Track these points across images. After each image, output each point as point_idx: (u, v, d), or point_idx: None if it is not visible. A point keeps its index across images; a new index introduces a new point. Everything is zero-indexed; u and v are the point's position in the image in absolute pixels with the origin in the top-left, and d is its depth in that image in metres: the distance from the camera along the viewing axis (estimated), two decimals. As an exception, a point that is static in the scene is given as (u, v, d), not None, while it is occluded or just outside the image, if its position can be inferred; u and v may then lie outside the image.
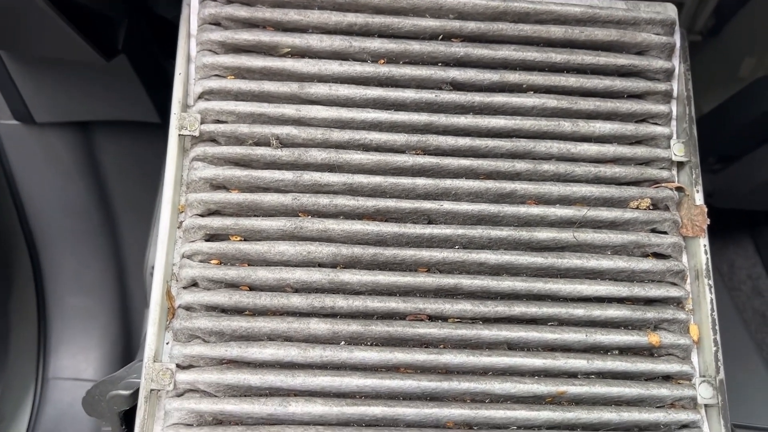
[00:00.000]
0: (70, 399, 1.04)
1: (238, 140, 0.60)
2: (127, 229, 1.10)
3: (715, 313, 0.59)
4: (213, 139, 0.60)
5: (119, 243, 1.11)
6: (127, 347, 1.10)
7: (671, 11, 0.65)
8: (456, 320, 0.57)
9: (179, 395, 0.54)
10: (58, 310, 1.06)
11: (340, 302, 0.56)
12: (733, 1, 1.04)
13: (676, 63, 0.65)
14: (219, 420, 0.53)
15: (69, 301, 1.07)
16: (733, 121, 0.99)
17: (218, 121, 0.60)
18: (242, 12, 0.60)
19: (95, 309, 1.07)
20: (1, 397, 0.98)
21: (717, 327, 0.59)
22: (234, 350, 0.54)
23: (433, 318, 0.57)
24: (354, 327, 0.55)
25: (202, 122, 0.60)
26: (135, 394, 0.54)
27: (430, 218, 0.59)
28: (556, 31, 0.62)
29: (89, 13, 0.75)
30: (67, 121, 0.99)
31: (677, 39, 0.65)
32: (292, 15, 0.61)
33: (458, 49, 0.61)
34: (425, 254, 0.58)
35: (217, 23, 0.61)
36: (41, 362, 1.05)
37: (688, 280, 0.61)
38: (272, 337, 0.55)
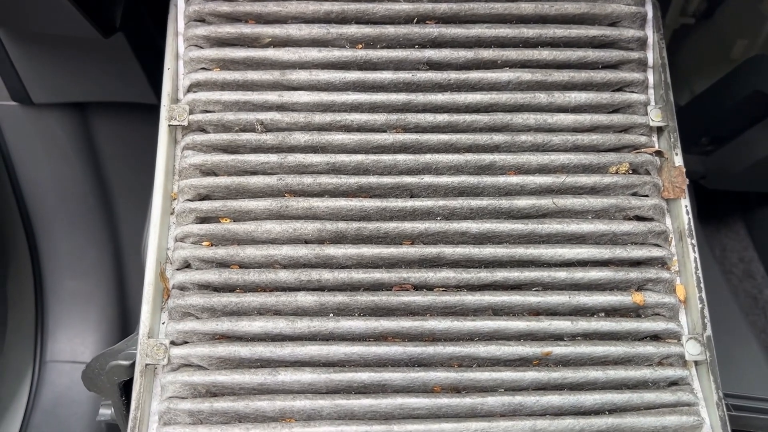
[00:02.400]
0: (67, 381, 1.05)
1: (225, 128, 0.62)
2: (124, 211, 1.11)
3: (700, 272, 0.59)
4: (201, 128, 0.63)
5: (116, 225, 1.12)
6: (124, 330, 1.11)
7: (641, -17, 0.67)
8: (440, 288, 0.58)
9: (174, 369, 0.56)
10: (56, 293, 1.07)
11: (327, 275, 0.58)
12: None
13: (649, 32, 0.66)
14: (212, 392, 0.55)
15: (66, 284, 1.08)
16: (725, 101, 0.99)
17: (206, 111, 0.63)
18: (224, 7, 0.64)
19: (92, 292, 1.09)
20: None
21: (702, 285, 0.59)
22: (225, 325, 0.56)
23: (417, 287, 0.58)
24: (340, 298, 0.57)
25: (191, 113, 0.63)
26: (134, 365, 0.57)
27: (411, 192, 0.61)
28: (527, 7, 0.64)
29: None
30: (64, 102, 1.00)
31: (649, 9, 0.67)
32: (272, 7, 0.64)
33: (432, 30, 0.64)
34: (408, 226, 0.59)
35: (201, 19, 0.65)
36: (39, 345, 1.07)
37: (673, 242, 0.62)
38: (261, 312, 0.57)
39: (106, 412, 0.63)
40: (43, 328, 1.07)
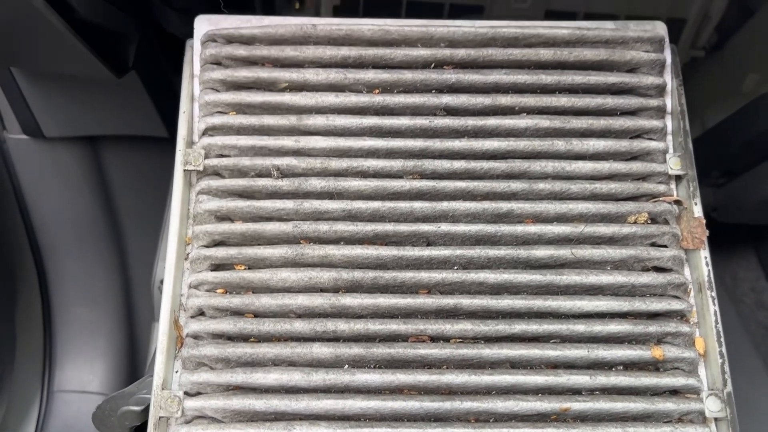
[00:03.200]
0: (75, 412, 1.05)
1: (241, 173, 0.62)
2: (134, 242, 1.12)
3: (720, 325, 0.59)
4: (217, 173, 0.62)
5: (125, 255, 1.13)
6: (132, 359, 1.11)
7: (660, 29, 0.67)
8: (457, 340, 0.58)
9: (187, 422, 0.55)
10: (64, 321, 1.08)
11: (342, 326, 0.57)
12: (734, 17, 1.05)
13: (668, 79, 0.66)
14: (226, 446, 0.54)
15: (75, 313, 1.09)
16: (736, 137, 0.99)
17: (221, 156, 0.63)
18: (241, 50, 0.63)
19: (101, 320, 1.09)
20: (6, 410, 1.00)
21: (722, 339, 0.58)
22: (239, 376, 0.55)
23: (434, 339, 0.58)
24: (356, 350, 0.56)
25: (206, 157, 0.62)
26: (146, 411, 0.56)
27: (428, 240, 0.61)
28: (546, 54, 0.64)
29: (101, 31, 0.78)
30: (75, 136, 1.01)
31: (667, 55, 0.66)
32: (289, 51, 0.63)
33: (450, 76, 0.63)
34: (424, 276, 0.59)
35: (218, 62, 0.64)
36: (46, 374, 1.07)
37: (692, 293, 0.61)
38: (276, 363, 0.56)
39: None
40: (51, 356, 1.07)
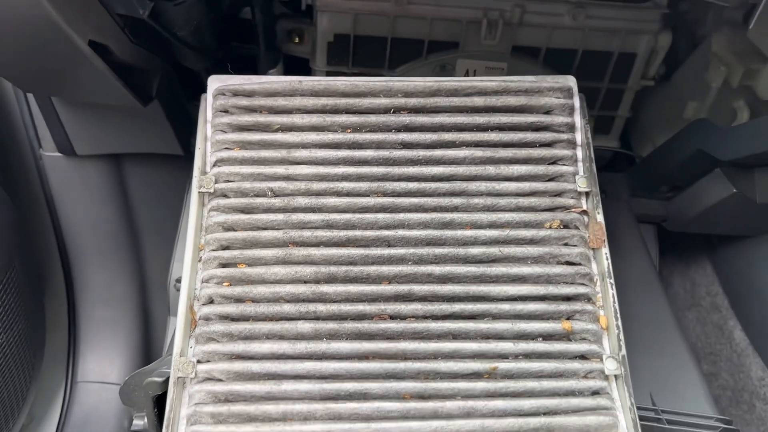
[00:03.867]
0: (96, 400, 1.16)
1: (243, 194, 0.79)
2: (151, 249, 1.25)
3: (617, 305, 0.74)
4: (224, 194, 0.80)
5: (143, 261, 1.25)
6: (147, 354, 1.23)
7: (570, 81, 0.85)
8: (411, 318, 0.74)
9: (199, 382, 0.70)
10: (87, 320, 1.19)
11: (321, 308, 0.73)
12: (681, 52, 1.22)
13: (577, 119, 0.84)
14: (229, 399, 0.69)
15: (97, 313, 1.21)
16: (675, 156, 1.14)
17: (228, 181, 0.80)
18: (243, 101, 0.82)
19: (120, 320, 1.20)
20: (35, 397, 1.10)
21: (618, 315, 0.74)
22: (240, 346, 0.71)
23: (393, 317, 0.73)
24: (331, 326, 0.72)
25: (216, 182, 0.80)
26: (166, 382, 0.71)
27: (389, 243, 0.77)
28: (479, 101, 0.83)
29: (131, 68, 0.92)
30: (103, 154, 1.14)
31: (575, 101, 0.85)
32: (281, 101, 0.82)
33: (405, 118, 0.82)
34: (385, 269, 0.75)
35: (225, 110, 0.83)
36: (71, 367, 1.18)
37: (598, 282, 0.77)
38: (269, 336, 0.72)
39: (139, 422, 0.76)
40: (74, 351, 1.19)
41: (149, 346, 1.28)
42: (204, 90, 0.83)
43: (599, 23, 1.13)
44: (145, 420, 0.75)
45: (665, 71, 1.26)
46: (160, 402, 0.75)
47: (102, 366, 1.20)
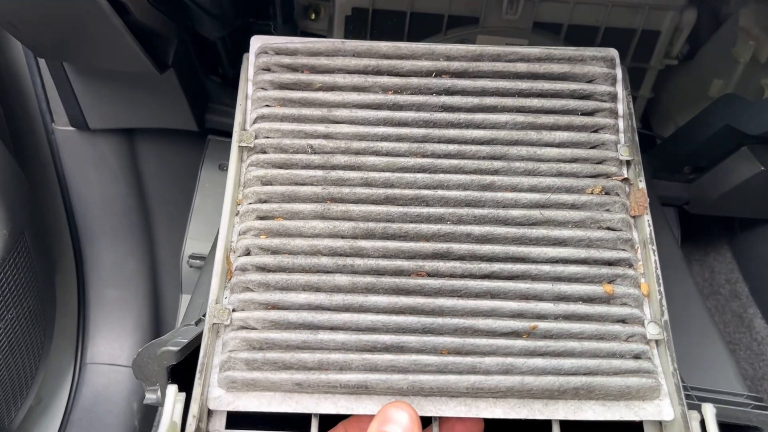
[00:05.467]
0: (105, 382, 1.15)
1: (282, 150, 0.79)
2: (162, 227, 1.23)
3: (659, 270, 0.73)
4: (263, 150, 0.80)
5: (154, 240, 1.23)
6: (157, 335, 1.20)
7: (612, 53, 0.85)
8: (449, 276, 0.73)
9: (234, 330, 0.70)
10: (97, 301, 1.18)
11: (359, 262, 0.72)
12: (704, 30, 1.21)
13: (619, 89, 0.84)
14: (263, 347, 0.69)
15: (107, 293, 1.20)
16: (701, 134, 1.12)
17: (267, 137, 0.80)
18: (286, 59, 0.82)
19: (130, 300, 1.19)
20: (44, 378, 1.09)
21: (661, 281, 0.73)
22: (277, 296, 0.70)
23: (430, 274, 0.73)
24: (369, 279, 0.71)
25: (256, 138, 0.80)
26: (182, 351, 0.70)
27: (427, 203, 0.77)
28: (522, 67, 0.82)
29: (149, 31, 0.90)
30: (116, 128, 1.13)
31: (618, 72, 0.84)
32: (323, 60, 0.82)
33: (446, 81, 0.81)
34: (424, 227, 0.74)
35: (267, 69, 0.83)
36: (80, 348, 1.17)
37: (639, 249, 0.76)
38: (306, 288, 0.71)
39: (152, 396, 0.73)
40: (84, 332, 1.19)
41: (159, 328, 1.27)
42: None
43: None
44: (158, 394, 0.73)
45: (689, 50, 1.24)
46: (175, 375, 0.72)
47: (112, 348, 1.20)
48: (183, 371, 0.72)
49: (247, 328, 0.70)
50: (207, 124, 1.23)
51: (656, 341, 0.71)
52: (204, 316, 0.72)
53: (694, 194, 1.22)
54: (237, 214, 0.77)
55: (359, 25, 1.13)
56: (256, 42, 0.85)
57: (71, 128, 1.14)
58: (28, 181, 1.10)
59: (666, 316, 0.71)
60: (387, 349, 0.68)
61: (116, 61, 0.96)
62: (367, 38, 1.14)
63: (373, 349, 0.68)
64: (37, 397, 1.14)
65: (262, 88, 0.82)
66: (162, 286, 1.28)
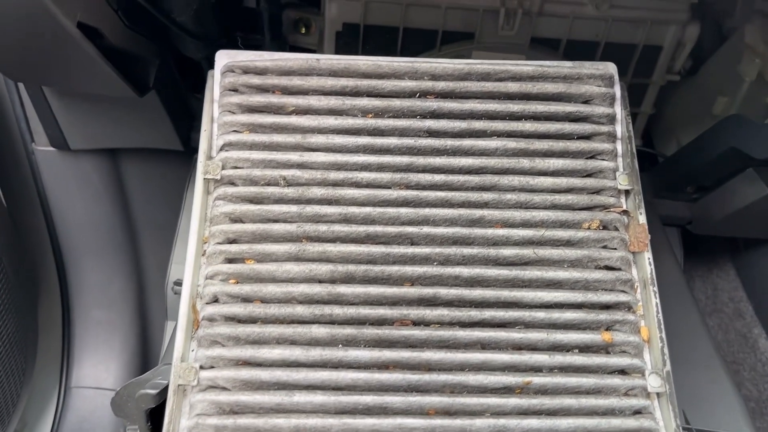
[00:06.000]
0: (91, 407, 1.10)
1: (252, 182, 0.72)
2: (148, 247, 1.19)
3: (660, 315, 0.68)
4: (232, 182, 0.73)
5: (140, 260, 1.19)
6: (144, 357, 1.17)
7: (611, 68, 0.78)
8: (436, 324, 0.67)
9: (202, 390, 0.64)
10: (82, 322, 1.14)
11: (337, 311, 0.66)
12: (708, 45, 1.16)
13: (618, 109, 0.77)
14: (235, 411, 0.63)
15: (92, 314, 1.15)
16: (705, 154, 1.08)
17: (236, 167, 0.73)
18: (255, 80, 0.75)
19: (116, 322, 1.15)
20: (27, 403, 1.05)
21: (662, 326, 0.68)
22: (248, 351, 0.64)
23: (416, 323, 0.67)
24: (349, 331, 0.65)
25: (223, 168, 0.72)
26: (161, 393, 0.64)
27: (412, 241, 0.71)
28: (513, 86, 0.76)
29: (127, 55, 0.86)
30: (98, 148, 1.09)
31: (617, 90, 0.78)
32: (296, 81, 0.75)
33: (432, 104, 0.75)
34: (408, 269, 0.68)
35: (235, 89, 0.75)
36: (65, 371, 1.12)
37: (638, 289, 0.71)
38: (280, 341, 0.65)
39: (135, 428, 0.70)
40: (69, 355, 1.14)
41: (146, 350, 1.23)
42: (205, 81, 0.76)
43: (624, 13, 1.07)
44: None
45: (692, 65, 1.21)
46: (155, 414, 0.68)
47: (97, 371, 1.15)
48: (164, 410, 0.66)
49: (216, 388, 0.64)
50: (193, 143, 1.18)
51: (658, 394, 0.66)
52: None
53: (697, 214, 1.18)
54: (203, 254, 0.71)
55: (351, 41, 1.07)
56: (222, 58, 0.77)
57: (51, 148, 1.10)
58: (8, 203, 1.05)
59: (668, 366, 0.66)
60: (369, 410, 0.63)
61: (94, 86, 0.91)
62: (359, 54, 1.08)
63: (353, 411, 0.63)
64: (21, 422, 1.09)
65: (230, 111, 0.75)
66: (149, 307, 1.24)
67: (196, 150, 1.20)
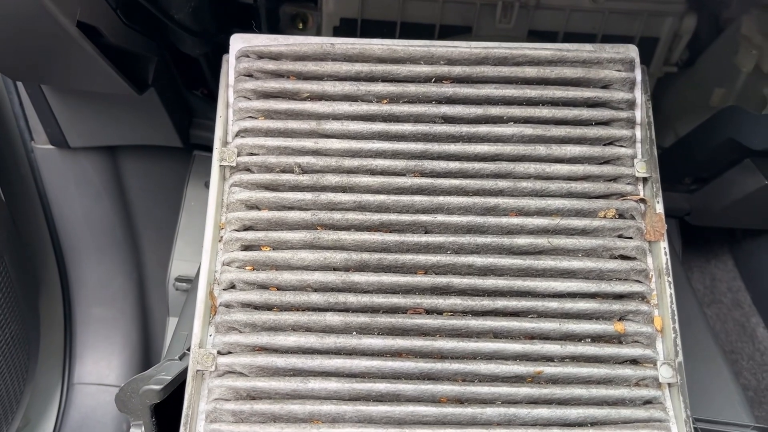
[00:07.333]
0: (93, 403, 1.13)
1: (268, 169, 0.72)
2: (149, 245, 1.20)
3: (675, 305, 0.68)
4: (247, 169, 0.73)
5: (141, 257, 1.20)
6: (146, 354, 1.19)
7: (632, 51, 0.77)
8: (449, 313, 0.68)
9: (220, 375, 0.66)
10: (84, 319, 1.15)
11: (351, 299, 0.67)
12: (705, 36, 1.14)
13: (638, 94, 0.76)
14: (252, 396, 0.65)
15: (93, 312, 1.17)
16: (703, 146, 1.07)
17: (251, 154, 0.73)
18: (270, 65, 0.74)
19: (118, 319, 1.17)
20: (30, 400, 1.08)
21: (676, 317, 0.68)
22: (264, 338, 0.66)
23: (429, 311, 0.68)
24: (363, 319, 0.66)
25: (239, 155, 0.73)
26: (165, 389, 0.66)
27: (426, 229, 0.71)
28: (531, 71, 0.74)
29: (125, 53, 0.86)
30: (97, 146, 1.10)
31: (637, 74, 0.76)
32: (311, 66, 0.74)
33: (448, 89, 0.74)
34: (422, 258, 0.69)
35: (250, 75, 0.75)
36: (67, 368, 1.15)
37: (653, 279, 0.71)
38: (295, 328, 0.67)
39: (137, 431, 0.71)
40: (71, 352, 1.16)
41: (148, 346, 1.25)
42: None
43: (620, 5, 1.04)
44: (143, 430, 0.69)
45: (688, 57, 1.18)
46: (159, 409, 0.69)
47: (99, 367, 1.16)
48: (168, 405, 0.68)
49: (233, 373, 0.66)
50: (192, 140, 1.19)
51: (669, 384, 0.67)
52: (188, 350, 0.68)
53: (695, 205, 1.17)
54: (220, 240, 0.72)
55: (348, 36, 1.06)
56: (237, 43, 0.76)
57: (51, 147, 1.11)
58: (7, 201, 1.06)
59: (680, 357, 0.67)
60: (382, 398, 0.64)
61: (93, 84, 0.91)
62: None
63: (367, 398, 0.64)
64: (24, 419, 1.12)
65: (245, 98, 0.75)
66: (150, 303, 1.26)
67: (195, 146, 1.22)
